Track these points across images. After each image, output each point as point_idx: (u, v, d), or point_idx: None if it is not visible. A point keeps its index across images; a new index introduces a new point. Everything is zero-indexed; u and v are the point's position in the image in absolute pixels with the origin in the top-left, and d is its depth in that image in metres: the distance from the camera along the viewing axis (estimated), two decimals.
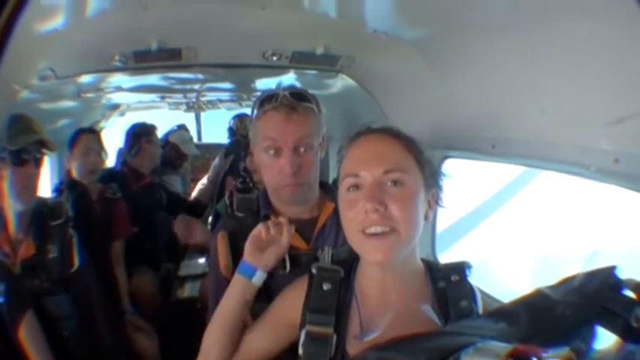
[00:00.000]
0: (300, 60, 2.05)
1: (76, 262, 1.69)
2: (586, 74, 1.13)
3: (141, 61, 1.94)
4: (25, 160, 1.56)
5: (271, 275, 1.35)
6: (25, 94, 2.12)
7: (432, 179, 1.04)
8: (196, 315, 2.54)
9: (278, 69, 2.30)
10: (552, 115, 1.29)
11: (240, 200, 1.47)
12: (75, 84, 2.57)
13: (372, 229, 0.94)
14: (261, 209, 1.43)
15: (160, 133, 3.38)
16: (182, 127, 3.85)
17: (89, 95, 3.02)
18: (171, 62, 1.97)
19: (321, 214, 1.41)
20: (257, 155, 1.41)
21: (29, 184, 1.59)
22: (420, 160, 1.02)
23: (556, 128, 1.29)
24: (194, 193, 3.55)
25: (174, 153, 3.64)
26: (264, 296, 1.35)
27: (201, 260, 3.38)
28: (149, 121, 3.21)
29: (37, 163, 1.60)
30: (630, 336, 0.68)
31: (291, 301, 1.11)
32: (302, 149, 1.31)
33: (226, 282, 1.42)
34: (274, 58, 1.98)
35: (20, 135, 1.56)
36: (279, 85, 1.37)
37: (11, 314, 1.35)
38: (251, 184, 1.73)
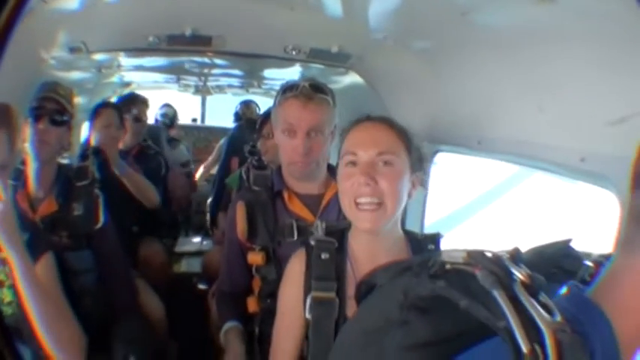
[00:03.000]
0: (316, 56, 2.24)
1: (101, 219, 1.74)
2: (574, 84, 1.21)
3: (173, 44, 2.09)
4: (39, 115, 1.61)
5: (279, 243, 1.55)
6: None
7: (418, 164, 1.24)
8: (193, 289, 2.73)
9: (286, 62, 2.45)
10: (533, 118, 1.39)
11: (257, 176, 1.68)
12: (90, 59, 2.58)
13: (362, 199, 1.15)
14: (275, 185, 1.64)
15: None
16: (166, 105, 4.29)
17: (105, 71, 3.07)
18: (200, 48, 2.13)
19: (327, 192, 1.63)
20: (276, 135, 1.61)
21: (44, 139, 1.63)
22: (409, 147, 1.22)
23: (537, 129, 1.40)
24: (197, 175, 3.70)
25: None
26: (273, 260, 1.56)
27: (196, 239, 3.58)
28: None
29: (54, 122, 1.64)
30: None
31: (296, 277, 1.25)
32: (313, 133, 1.52)
33: (239, 245, 1.62)
34: (294, 53, 2.17)
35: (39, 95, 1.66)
36: (301, 76, 1.58)
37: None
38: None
